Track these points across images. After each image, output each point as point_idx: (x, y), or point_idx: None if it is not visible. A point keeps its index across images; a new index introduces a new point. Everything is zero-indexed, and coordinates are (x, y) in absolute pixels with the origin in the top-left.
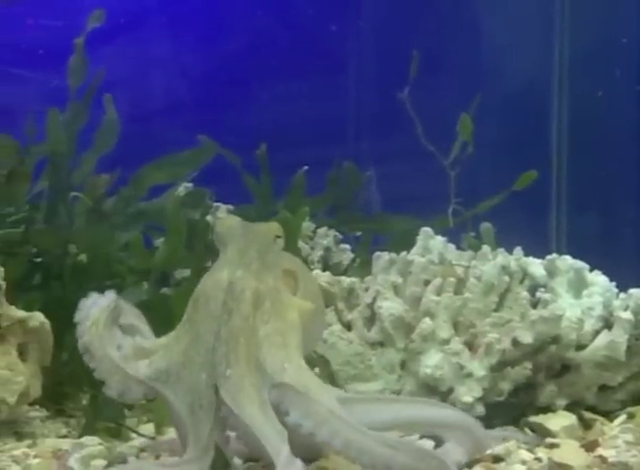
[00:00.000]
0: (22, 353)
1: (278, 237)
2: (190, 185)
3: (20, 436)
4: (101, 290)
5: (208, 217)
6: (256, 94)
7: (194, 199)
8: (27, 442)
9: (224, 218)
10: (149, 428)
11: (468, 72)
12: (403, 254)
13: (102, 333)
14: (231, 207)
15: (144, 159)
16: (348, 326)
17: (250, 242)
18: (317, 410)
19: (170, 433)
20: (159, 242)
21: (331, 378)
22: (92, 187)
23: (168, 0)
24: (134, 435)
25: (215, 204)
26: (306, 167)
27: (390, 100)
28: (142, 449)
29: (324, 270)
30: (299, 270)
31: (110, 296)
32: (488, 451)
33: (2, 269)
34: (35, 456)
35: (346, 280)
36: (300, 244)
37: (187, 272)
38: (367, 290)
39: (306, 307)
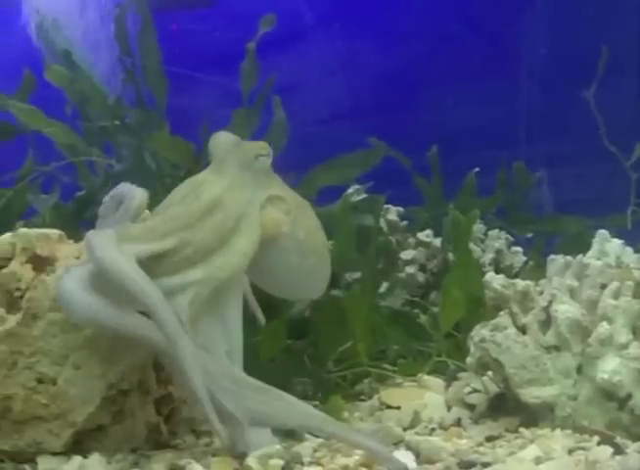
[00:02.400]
0: None
1: (262, 155)
2: (360, 187)
3: (197, 434)
4: None
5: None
6: (428, 97)
7: (368, 205)
8: (205, 440)
9: (217, 134)
10: None
11: None
12: (579, 257)
13: None
14: (401, 209)
15: (319, 161)
16: (523, 329)
17: (230, 155)
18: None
19: None
20: (330, 245)
21: (505, 382)
22: None
23: (346, 5)
24: (308, 435)
25: (386, 206)
26: (477, 169)
27: (564, 100)
28: (315, 450)
29: (496, 273)
30: (290, 198)
31: None
32: None
33: None
34: (214, 455)
35: (521, 283)
36: (471, 246)
37: (357, 274)
38: (542, 293)
39: (276, 221)
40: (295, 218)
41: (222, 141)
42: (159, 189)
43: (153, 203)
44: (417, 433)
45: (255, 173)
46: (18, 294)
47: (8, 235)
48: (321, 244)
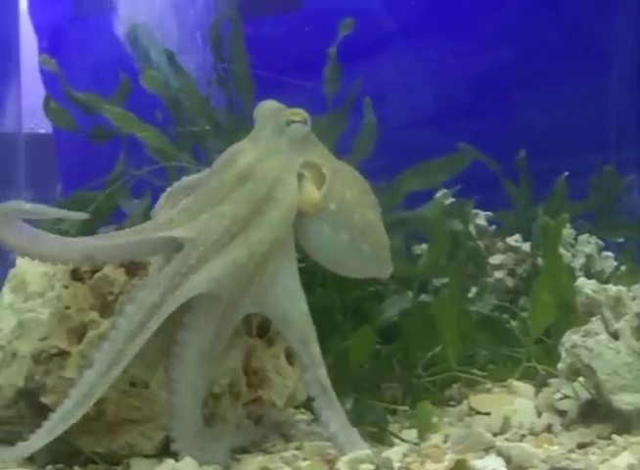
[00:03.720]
0: (290, 357)
1: (295, 122)
2: (447, 191)
3: (287, 438)
4: (364, 297)
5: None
6: (517, 100)
7: (457, 209)
8: (295, 444)
9: (262, 102)
10: (412, 434)
11: None
12: None
13: None
14: (490, 213)
15: (407, 166)
16: (615, 335)
17: (267, 122)
18: None
19: (433, 439)
20: (417, 249)
21: (597, 388)
22: None
23: (435, 9)
24: (397, 440)
25: (474, 211)
26: (567, 173)
27: None
28: (406, 455)
29: (587, 278)
30: (328, 166)
31: None
32: None
33: None
34: (304, 459)
35: (613, 288)
36: (562, 251)
37: (446, 279)
38: (634, 299)
39: (311, 199)
40: (329, 189)
41: (264, 109)
42: None
43: None
44: (507, 439)
45: (291, 140)
46: (111, 298)
47: None
48: (360, 219)
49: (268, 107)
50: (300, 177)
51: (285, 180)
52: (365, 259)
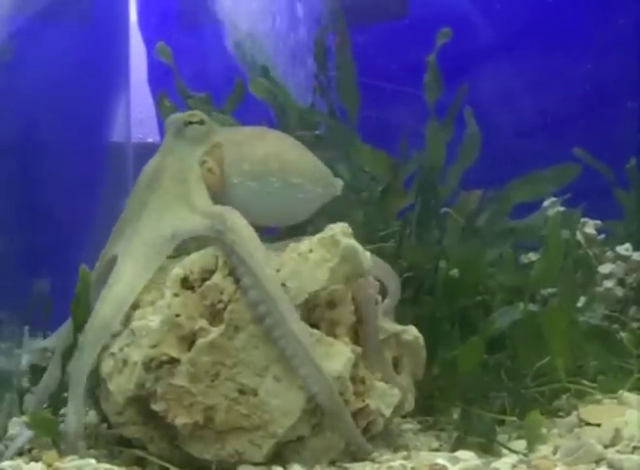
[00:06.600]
0: (397, 366)
1: (191, 122)
2: (555, 199)
3: (394, 447)
4: (471, 305)
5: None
6: (628, 109)
7: (567, 218)
8: (402, 453)
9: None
10: (520, 444)
11: None
12: None
13: None
14: (599, 222)
15: (517, 175)
16: None
17: (168, 129)
18: None
19: (542, 450)
20: (523, 259)
21: None
22: (464, 203)
23: (546, 16)
24: (505, 451)
25: (583, 219)
26: None
27: None
28: (515, 466)
29: None
30: (229, 139)
31: None
32: None
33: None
34: (412, 468)
35: None
36: None
37: (552, 288)
38: None
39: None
40: (232, 160)
41: (167, 121)
42: (354, 203)
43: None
44: (618, 451)
45: (191, 140)
46: (220, 306)
47: (210, 248)
48: (278, 165)
49: (170, 118)
50: (202, 163)
51: (187, 171)
52: (306, 189)
